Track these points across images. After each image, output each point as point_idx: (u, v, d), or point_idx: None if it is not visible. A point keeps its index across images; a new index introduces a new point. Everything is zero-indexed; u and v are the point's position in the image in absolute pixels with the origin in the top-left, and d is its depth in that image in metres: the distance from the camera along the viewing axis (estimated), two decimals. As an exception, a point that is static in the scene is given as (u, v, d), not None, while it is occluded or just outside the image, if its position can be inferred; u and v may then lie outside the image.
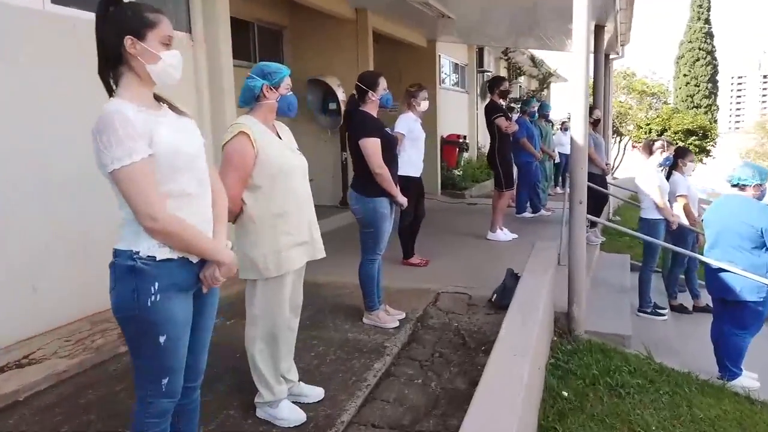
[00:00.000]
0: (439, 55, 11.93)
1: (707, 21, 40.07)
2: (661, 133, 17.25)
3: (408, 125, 5.11)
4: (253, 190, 2.46)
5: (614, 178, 14.65)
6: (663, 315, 5.54)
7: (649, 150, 5.44)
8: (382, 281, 3.95)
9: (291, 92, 2.60)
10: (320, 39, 8.13)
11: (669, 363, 4.37)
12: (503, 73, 16.53)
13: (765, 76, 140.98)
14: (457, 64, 13.77)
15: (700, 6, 40.32)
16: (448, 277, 4.93)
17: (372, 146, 3.61)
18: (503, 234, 6.47)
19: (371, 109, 3.76)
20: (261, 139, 2.45)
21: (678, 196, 5.62)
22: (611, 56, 10.20)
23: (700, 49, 39.81)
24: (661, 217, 5.32)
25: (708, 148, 17.49)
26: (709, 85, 40.16)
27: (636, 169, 5.58)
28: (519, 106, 8.67)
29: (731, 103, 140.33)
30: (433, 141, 10.87)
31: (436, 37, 10.84)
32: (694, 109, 33.16)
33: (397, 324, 3.79)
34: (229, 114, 5.04)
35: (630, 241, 9.47)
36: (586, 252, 4.35)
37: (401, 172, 5.10)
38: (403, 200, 3.78)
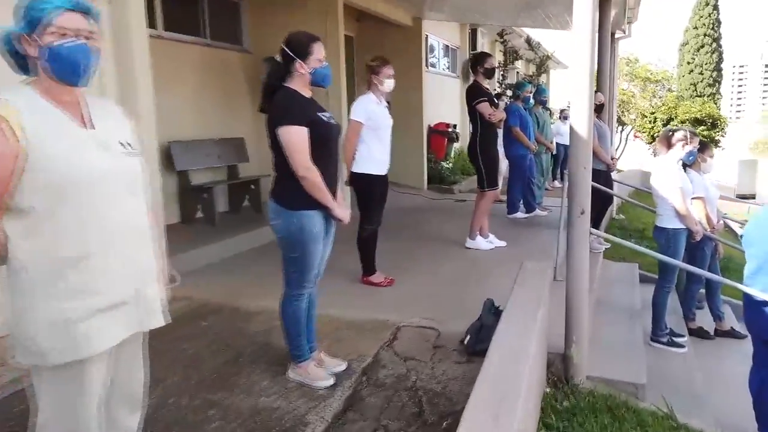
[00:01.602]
0: (427, 35, 10.82)
1: (715, 7, 38.77)
2: (667, 123, 16.17)
3: (367, 110, 4.07)
4: (20, 217, 1.43)
5: (618, 171, 13.62)
6: (682, 346, 4.53)
7: (668, 143, 4.40)
8: (314, 320, 2.93)
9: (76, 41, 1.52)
10: (284, 12, 7.05)
11: (694, 419, 3.39)
12: (499, 57, 15.42)
13: (767, 66, 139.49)
14: (447, 46, 12.67)
15: (708, -10, 39.02)
16: (414, 302, 3.92)
17: (295, 138, 2.57)
18: (484, 242, 5.44)
19: (299, 85, 2.71)
20: (35, 127, 1.42)
21: (694, 198, 4.60)
22: (617, 35, 9.11)
23: (705, 35, 38.54)
24: (682, 227, 4.30)
25: (717, 138, 16.40)
26: (714, 73, 38.95)
27: (652, 166, 4.54)
28: (512, 91, 7.60)
29: (732, 92, 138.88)
30: (418, 130, 9.86)
31: (423, 14, 9.74)
32: (698, 98, 32.00)
33: (331, 382, 2.77)
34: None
35: (638, 240, 8.49)
36: (588, 269, 3.34)
37: (360, 169, 4.10)
38: (343, 214, 2.74)
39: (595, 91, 6.53)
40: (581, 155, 3.22)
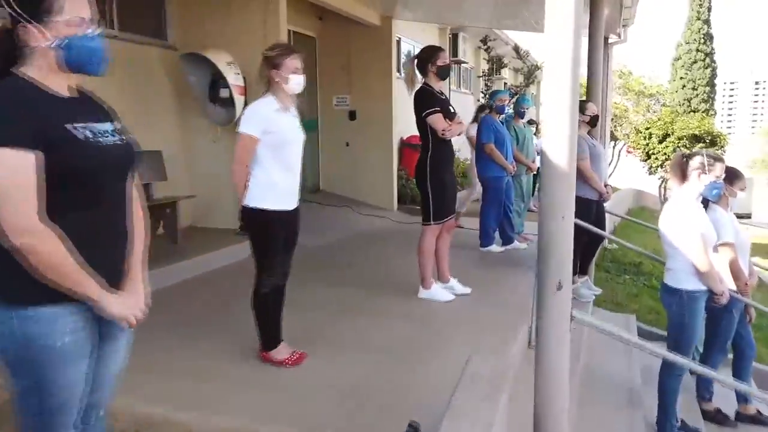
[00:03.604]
0: (399, 38, 9.72)
1: (707, 22, 38.05)
2: (663, 139, 15.10)
3: (263, 120, 2.87)
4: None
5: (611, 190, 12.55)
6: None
7: (681, 172, 3.23)
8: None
9: None
10: (218, 2, 5.89)
11: None
12: (484, 66, 14.36)
13: (757, 83, 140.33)
14: (424, 52, 11.56)
15: (701, 6, 38.34)
16: (320, 399, 2.71)
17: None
18: (442, 290, 4.24)
19: (39, 71, 1.50)
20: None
21: (720, 244, 3.44)
22: (611, 40, 8.02)
23: (698, 51, 37.79)
24: (702, 288, 3.13)
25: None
26: (707, 88, 38.19)
27: (667, 206, 3.32)
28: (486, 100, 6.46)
29: (723, 109, 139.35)
30: (387, 144, 8.71)
31: (393, 13, 8.61)
32: (693, 113, 31.18)
33: None
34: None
35: (634, 277, 7.35)
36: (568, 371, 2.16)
37: (255, 203, 2.91)
38: (122, 310, 1.52)
39: (587, 101, 5.44)
40: (559, 198, 2.05)
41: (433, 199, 4.11)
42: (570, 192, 2.06)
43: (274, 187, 2.91)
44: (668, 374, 3.30)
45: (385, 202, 8.80)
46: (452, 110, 4.19)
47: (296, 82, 2.89)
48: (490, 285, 4.64)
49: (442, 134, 4.01)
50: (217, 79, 5.59)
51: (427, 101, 4.04)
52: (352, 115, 8.84)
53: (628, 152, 19.03)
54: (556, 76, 2.02)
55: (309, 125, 9.04)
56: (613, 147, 17.93)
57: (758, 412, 4.03)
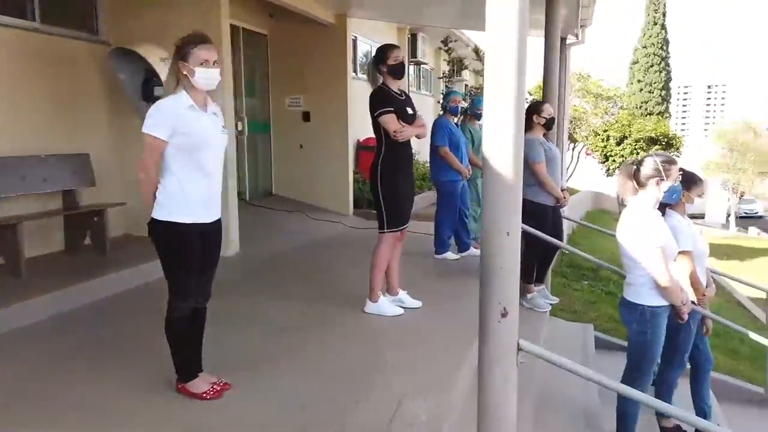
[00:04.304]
0: (355, 37, 9.41)
1: (663, 27, 39.07)
2: (620, 141, 15.23)
3: (172, 119, 2.50)
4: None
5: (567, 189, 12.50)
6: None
7: (636, 180, 3.01)
8: None
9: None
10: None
11: None
12: (444, 67, 14.18)
13: (709, 87, 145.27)
14: (382, 52, 11.27)
15: (656, 11, 39.36)
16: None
17: None
18: (390, 304, 3.94)
19: None
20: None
21: (678, 253, 3.24)
22: (569, 40, 7.88)
23: (654, 54, 38.77)
24: (664, 304, 2.93)
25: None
26: (663, 92, 39.22)
27: (624, 215, 3.08)
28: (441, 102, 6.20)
29: (677, 112, 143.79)
30: (342, 146, 8.38)
31: (348, 11, 8.30)
32: (649, 116, 31.87)
33: None
34: None
35: (593, 283, 7.21)
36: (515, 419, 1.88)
37: (163, 215, 2.56)
38: None
39: (543, 102, 5.25)
40: (502, 212, 1.78)
41: (386, 206, 3.83)
42: (515, 205, 1.79)
43: (187, 196, 2.55)
44: (627, 399, 3.08)
45: (341, 206, 8.48)
46: (411, 111, 3.91)
47: (204, 76, 2.52)
48: (443, 297, 4.36)
49: (394, 135, 3.74)
50: (150, 77, 5.17)
51: (381, 101, 3.77)
52: (306, 117, 8.49)
53: (587, 154, 19.21)
54: (498, 77, 1.75)
55: (261, 127, 8.71)
56: (572, 149, 18.06)
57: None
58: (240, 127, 7.88)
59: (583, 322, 5.20)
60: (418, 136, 3.95)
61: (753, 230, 30.93)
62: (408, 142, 3.92)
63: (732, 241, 23.76)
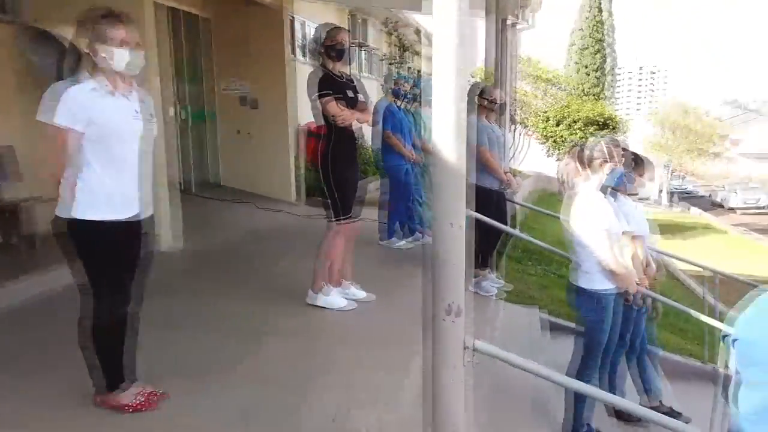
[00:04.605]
0: (293, 17, 9.08)
1: (600, 9, 40.06)
2: (558, 123, 15.53)
3: (77, 105, 2.23)
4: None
5: (517, 173, 12.59)
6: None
7: (582, 163, 2.97)
8: None
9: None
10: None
11: None
12: (387, 50, 13.98)
13: (641, 68, 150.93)
14: (323, 34, 10.96)
15: (592, -6, 40.28)
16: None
17: None
18: (338, 296, 3.80)
19: None
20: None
21: (624, 234, 3.23)
22: (512, 22, 7.85)
23: (590, 37, 39.75)
24: (611, 288, 2.91)
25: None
26: (599, 74, 40.34)
27: (570, 200, 3.03)
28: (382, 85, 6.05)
29: (612, 93, 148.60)
30: (283, 131, 8.10)
31: (287, -10, 7.98)
32: (586, 98, 32.79)
33: None
34: None
35: (545, 266, 7.28)
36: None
37: (77, 213, 2.30)
38: None
39: (488, 86, 5.18)
40: (448, 202, 1.66)
41: (337, 194, 3.67)
42: (460, 195, 1.67)
43: (98, 192, 2.29)
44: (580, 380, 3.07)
45: (289, 195, 8.22)
46: (354, 95, 3.75)
47: (119, 58, 2.25)
48: (392, 287, 4.25)
49: (334, 120, 3.57)
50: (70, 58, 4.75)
51: (320, 84, 3.59)
52: (252, 103, 8.15)
53: (528, 136, 19.54)
54: (441, 60, 1.62)
55: (205, 114, 8.30)
56: (514, 131, 18.30)
57: (660, 403, 3.96)
58: (183, 115, 7.49)
59: (535, 307, 5.21)
60: (359, 121, 3.80)
61: (686, 206, 32.51)
62: (351, 127, 3.77)
63: (668, 218, 24.88)
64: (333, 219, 3.66)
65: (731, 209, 30.23)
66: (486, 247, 4.69)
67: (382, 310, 3.72)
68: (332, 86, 3.58)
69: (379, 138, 5.43)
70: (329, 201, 3.66)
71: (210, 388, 2.64)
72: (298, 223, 6.88)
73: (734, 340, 1.82)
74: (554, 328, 4.92)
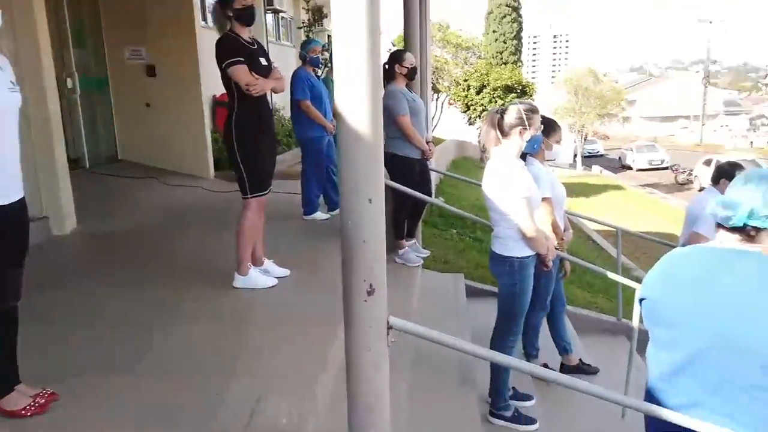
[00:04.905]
0: (201, -21, 8.53)
1: (513, -23, 40.68)
2: (480, 90, 15.76)
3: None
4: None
5: (433, 141, 12.69)
6: (533, 422, 3.23)
7: (499, 129, 2.93)
8: None
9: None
10: None
11: None
12: (304, 16, 13.50)
13: (555, 37, 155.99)
14: (236, -2, 10.38)
15: (506, -39, 40.74)
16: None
17: None
18: (261, 275, 3.64)
19: None
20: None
21: (540, 200, 3.27)
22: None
23: (506, 5, 40.40)
24: (531, 253, 2.93)
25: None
26: (515, 41, 41.19)
27: (488, 167, 3.01)
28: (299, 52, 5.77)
29: (528, 60, 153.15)
30: (195, 102, 7.63)
31: (189, -50, 7.42)
32: (504, 65, 33.48)
33: None
34: None
35: (461, 231, 7.40)
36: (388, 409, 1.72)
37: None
38: None
39: (405, 51, 5.05)
40: (363, 175, 1.54)
41: (246, 168, 3.46)
42: (377, 167, 1.56)
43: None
44: (499, 348, 3.11)
45: (200, 169, 7.80)
46: (265, 62, 3.52)
47: None
48: (314, 263, 4.13)
49: (247, 89, 3.34)
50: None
51: (228, 51, 3.34)
52: (151, 71, 7.61)
53: (450, 104, 19.73)
54: (347, 21, 1.47)
55: (97, 83, 7.66)
56: (437, 99, 18.41)
57: (581, 361, 4.13)
58: (70, 84, 6.86)
59: (454, 272, 5.27)
60: (275, 90, 3.59)
61: (596, 168, 34.28)
62: (264, 97, 3.55)
63: (579, 180, 26.15)
64: (249, 195, 3.46)
65: (638, 170, 32.17)
66: (411, 217, 4.66)
67: (305, 288, 3.59)
68: (241, 53, 3.34)
69: (296, 108, 5.22)
70: (243, 176, 3.46)
71: (112, 385, 2.43)
72: (216, 199, 6.54)
73: (642, 300, 1.86)
74: (478, 293, 5.00)
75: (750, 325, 1.56)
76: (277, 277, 3.71)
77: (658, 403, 1.75)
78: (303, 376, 2.36)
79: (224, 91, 3.53)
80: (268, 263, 3.79)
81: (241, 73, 3.33)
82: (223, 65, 3.33)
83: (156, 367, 2.60)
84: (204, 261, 4.15)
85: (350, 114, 1.48)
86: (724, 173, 3.66)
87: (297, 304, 3.28)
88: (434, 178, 8.67)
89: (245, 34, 3.45)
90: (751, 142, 39.11)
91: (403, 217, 4.55)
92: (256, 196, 3.48)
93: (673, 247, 3.48)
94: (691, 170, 25.13)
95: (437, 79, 17.92)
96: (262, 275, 3.66)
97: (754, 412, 1.58)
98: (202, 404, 2.24)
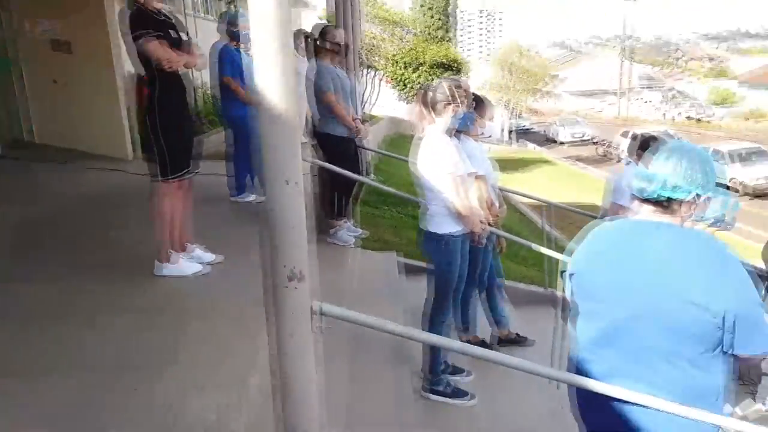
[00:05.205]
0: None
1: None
2: (416, 68, 15.70)
3: None
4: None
5: (369, 119, 12.59)
6: (465, 394, 3.28)
7: (430, 106, 2.90)
8: None
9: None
10: None
11: None
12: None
13: (481, 12, 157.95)
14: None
15: (435, -68, 40.53)
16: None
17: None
18: (187, 262, 3.49)
19: None
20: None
21: (471, 175, 3.28)
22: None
23: (434, -21, 40.36)
24: (459, 230, 2.95)
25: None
26: (444, 17, 41.34)
27: (418, 144, 2.98)
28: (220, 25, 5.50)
29: (458, 36, 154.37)
30: (110, 80, 7.16)
31: None
32: (435, 41, 33.60)
33: None
34: None
35: (396, 208, 7.40)
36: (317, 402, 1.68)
37: None
38: None
39: (332, 27, 4.92)
40: (280, 155, 1.47)
41: (168, 150, 3.27)
42: (295, 148, 1.49)
43: None
44: (432, 327, 3.14)
45: (119, 151, 7.37)
46: (181, 36, 3.32)
47: None
48: (245, 247, 3.95)
49: (165, 65, 3.14)
50: None
51: (140, 24, 3.11)
52: (61, 46, 7.06)
53: (387, 82, 19.59)
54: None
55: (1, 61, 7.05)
56: (372, 77, 18.21)
57: (516, 333, 4.25)
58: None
59: (389, 250, 5.26)
60: (193, 66, 3.41)
61: (525, 143, 35.33)
62: (186, 74, 3.37)
63: (512, 155, 26.86)
64: (162, 177, 3.28)
65: (562, 143, 33.40)
66: (342, 196, 4.59)
67: (235, 273, 3.47)
68: (150, 24, 3.13)
69: (223, 86, 5.00)
70: (164, 157, 3.27)
71: (24, 386, 2.25)
72: (138, 183, 6.17)
73: (570, 275, 1.90)
74: (414, 270, 5.02)
75: (664, 293, 1.61)
76: (205, 263, 3.58)
77: (584, 372, 1.80)
78: (232, 367, 2.27)
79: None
80: (195, 249, 3.64)
81: (157, 47, 3.13)
82: (137, 40, 3.11)
83: (74, 364, 2.44)
84: (126, 249, 3.92)
85: (265, 93, 1.40)
86: (642, 145, 3.81)
87: (226, 292, 3.17)
88: (369, 156, 8.62)
89: (152, 3, 3.22)
90: (664, 114, 41.40)
91: (335, 197, 4.49)
92: (176, 179, 3.31)
93: (595, 218, 3.60)
94: (612, 143, 26.35)
95: (372, 56, 17.71)
96: (189, 262, 3.52)
97: (671, 377, 1.65)
98: (123, 403, 2.11)
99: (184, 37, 3.36)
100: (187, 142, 3.43)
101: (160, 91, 3.22)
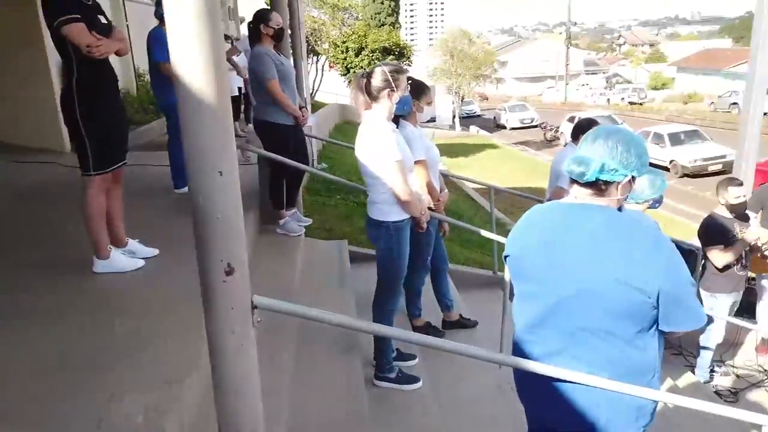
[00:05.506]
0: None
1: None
2: (358, 52, 15.60)
3: None
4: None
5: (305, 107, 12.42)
6: (416, 381, 3.29)
7: (368, 93, 2.85)
8: None
9: None
10: None
11: None
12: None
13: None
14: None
15: None
16: None
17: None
18: (122, 256, 3.34)
19: None
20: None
21: (414, 162, 3.27)
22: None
23: (383, -34, 40.10)
24: (406, 217, 2.93)
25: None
26: (392, 3, 41.18)
27: (359, 132, 2.94)
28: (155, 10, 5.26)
29: (405, 23, 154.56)
30: (42, 66, 6.76)
31: None
32: (381, 27, 33.44)
33: None
34: None
35: (344, 196, 7.34)
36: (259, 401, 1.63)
37: None
38: None
39: (271, 11, 4.78)
40: (210, 144, 1.40)
41: (91, 142, 3.10)
42: (226, 135, 1.42)
43: None
44: (381, 314, 3.12)
45: (53, 142, 6.99)
46: (104, 20, 3.14)
47: None
48: (187, 240, 3.81)
49: (88, 51, 2.97)
50: None
51: (60, 7, 2.92)
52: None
53: (330, 67, 19.40)
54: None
55: None
56: (316, 62, 17.99)
57: (461, 316, 4.29)
58: None
59: (338, 238, 5.22)
60: (118, 53, 3.23)
61: (473, 128, 35.75)
62: (108, 60, 3.19)
63: (458, 140, 27.15)
64: (92, 172, 3.12)
65: (511, 128, 33.99)
66: (289, 187, 4.50)
67: (175, 268, 3.33)
68: (75, 8, 2.95)
69: (157, 72, 4.80)
70: (87, 150, 3.10)
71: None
72: (68, 175, 5.86)
73: (505, 257, 1.92)
74: (363, 258, 5.01)
75: (598, 273, 1.64)
76: (144, 258, 3.44)
77: (524, 353, 1.83)
78: (169, 367, 2.18)
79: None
80: (132, 243, 3.49)
81: (80, 32, 2.94)
82: (55, 24, 2.92)
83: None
84: (61, 247, 3.72)
85: (187, 77, 1.32)
86: (582, 129, 3.88)
87: (166, 287, 3.05)
88: (316, 143, 8.50)
89: None
90: (608, 99, 42.71)
91: (281, 187, 4.39)
92: (101, 174, 3.15)
93: (540, 201, 3.65)
94: (557, 127, 27.00)
95: (315, 41, 17.46)
96: (126, 257, 3.37)
97: (609, 356, 1.69)
98: (46, 408, 2.00)
99: (105, 20, 3.19)
100: (115, 134, 3.26)
101: (84, 80, 3.05)
